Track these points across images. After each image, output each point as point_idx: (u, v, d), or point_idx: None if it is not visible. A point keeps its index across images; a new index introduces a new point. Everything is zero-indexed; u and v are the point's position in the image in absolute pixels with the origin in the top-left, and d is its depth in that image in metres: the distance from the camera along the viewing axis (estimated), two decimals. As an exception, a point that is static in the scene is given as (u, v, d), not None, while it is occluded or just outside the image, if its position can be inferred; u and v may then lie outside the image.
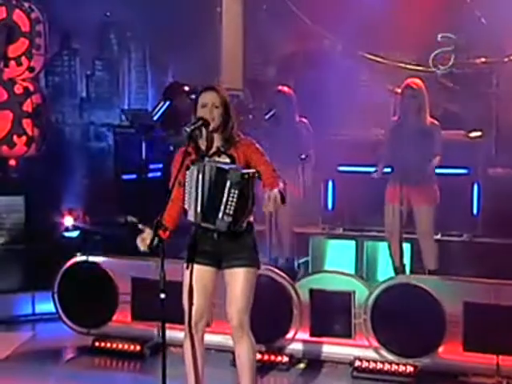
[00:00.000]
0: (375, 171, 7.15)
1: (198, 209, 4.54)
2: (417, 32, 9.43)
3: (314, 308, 6.39)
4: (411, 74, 8.69)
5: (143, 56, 12.03)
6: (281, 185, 4.60)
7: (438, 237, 7.70)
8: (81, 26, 10.94)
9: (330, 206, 8.60)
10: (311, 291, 6.38)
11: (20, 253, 8.47)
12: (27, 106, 9.83)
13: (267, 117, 7.33)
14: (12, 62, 9.77)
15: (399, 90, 7.26)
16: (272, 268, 6.51)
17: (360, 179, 8.13)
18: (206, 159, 4.66)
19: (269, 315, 6.25)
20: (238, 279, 4.69)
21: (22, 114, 9.83)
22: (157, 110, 10.03)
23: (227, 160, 4.71)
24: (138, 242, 4.60)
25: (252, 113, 8.97)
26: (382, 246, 7.71)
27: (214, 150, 4.74)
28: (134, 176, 9.84)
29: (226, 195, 4.46)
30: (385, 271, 7.79)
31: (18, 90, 9.79)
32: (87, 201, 9.14)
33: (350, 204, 8.43)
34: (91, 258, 7.00)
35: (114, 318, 6.88)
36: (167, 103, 9.91)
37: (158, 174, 9.80)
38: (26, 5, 9.78)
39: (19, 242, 8.68)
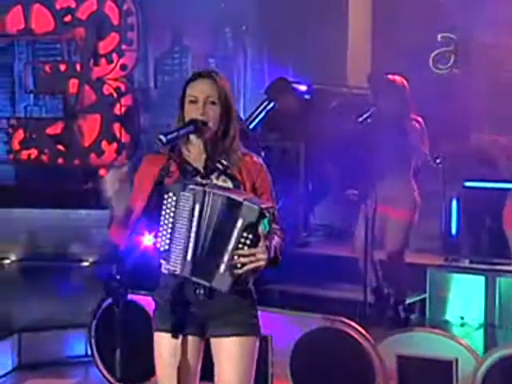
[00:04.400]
0: None
1: (189, 256, 3.12)
2: None
3: (402, 379, 4.74)
4: None
5: (260, 52, 10.79)
6: (276, 239, 3.14)
7: None
8: (193, 20, 9.95)
9: (453, 230, 6.92)
10: (399, 357, 4.73)
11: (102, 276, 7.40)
12: (118, 109, 8.84)
13: (361, 119, 5.67)
14: (102, 60, 8.82)
15: None
16: (347, 321, 4.88)
17: (493, 197, 6.56)
18: (199, 181, 3.22)
19: (342, 384, 4.77)
20: (229, 354, 3.25)
21: (112, 117, 8.85)
22: (256, 113, 8.59)
23: (229, 185, 3.24)
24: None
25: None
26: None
27: (210, 167, 3.28)
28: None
29: (234, 240, 3.03)
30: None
31: (107, 90, 8.82)
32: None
33: (480, 229, 6.78)
34: (131, 296, 5.65)
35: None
36: (270, 105, 8.48)
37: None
38: (118, -5, 8.81)
39: (104, 263, 7.56)
